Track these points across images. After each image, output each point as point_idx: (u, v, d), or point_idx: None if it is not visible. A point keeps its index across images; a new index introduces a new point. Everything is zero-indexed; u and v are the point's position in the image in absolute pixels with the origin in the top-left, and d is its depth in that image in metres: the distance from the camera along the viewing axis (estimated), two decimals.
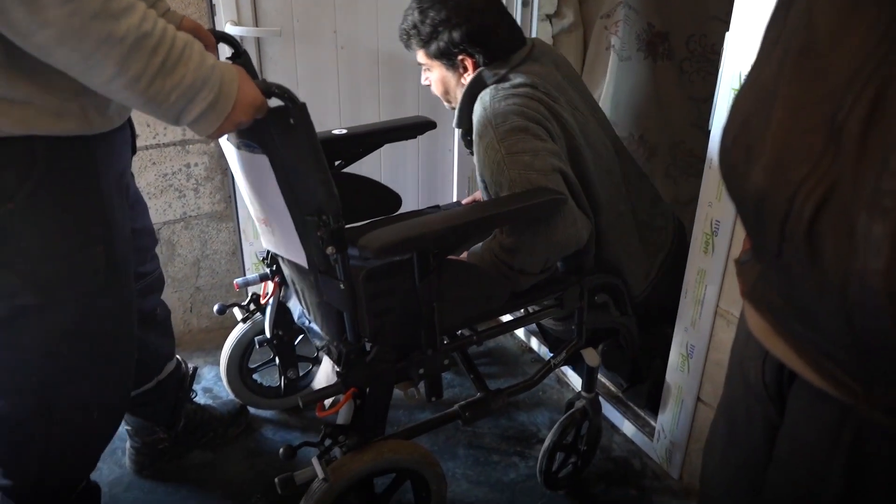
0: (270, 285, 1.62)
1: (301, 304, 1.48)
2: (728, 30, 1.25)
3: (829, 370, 0.52)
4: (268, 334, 1.67)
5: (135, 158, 1.89)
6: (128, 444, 1.65)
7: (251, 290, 1.86)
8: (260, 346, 1.74)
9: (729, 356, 0.76)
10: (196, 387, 1.83)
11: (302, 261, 1.24)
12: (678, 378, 1.56)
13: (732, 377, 0.73)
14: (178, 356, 1.63)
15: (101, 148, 1.06)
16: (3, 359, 1.13)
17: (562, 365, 1.55)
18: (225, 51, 1.42)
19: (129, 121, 1.23)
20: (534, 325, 2.17)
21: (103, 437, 1.32)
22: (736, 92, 0.59)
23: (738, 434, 0.72)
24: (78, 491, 1.32)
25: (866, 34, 0.44)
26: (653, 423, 1.72)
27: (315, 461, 1.23)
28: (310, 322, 1.45)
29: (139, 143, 1.89)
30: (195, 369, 1.69)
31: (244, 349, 1.77)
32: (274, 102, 1.06)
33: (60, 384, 1.15)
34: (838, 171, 0.44)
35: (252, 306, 1.70)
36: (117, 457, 1.70)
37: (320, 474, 1.21)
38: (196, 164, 2.01)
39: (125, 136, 1.18)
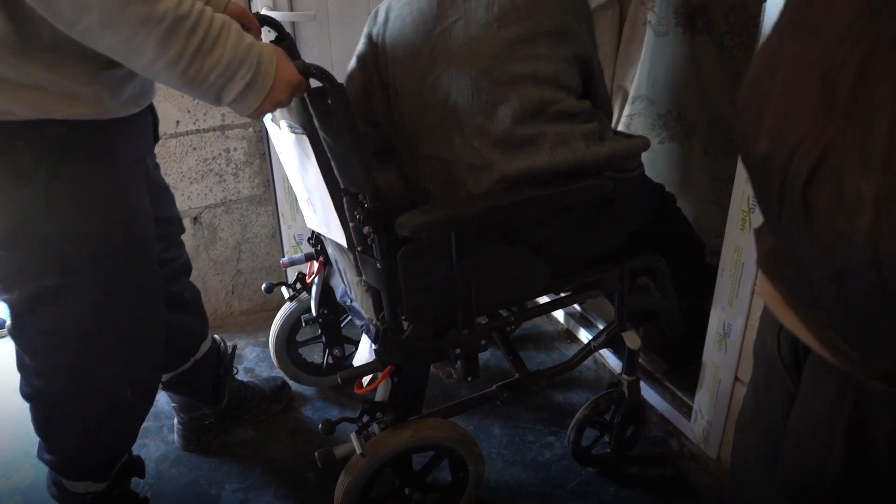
0: (316, 265, 1.66)
1: (343, 283, 1.51)
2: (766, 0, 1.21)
3: (830, 338, 0.52)
4: (314, 313, 1.72)
5: (176, 144, 1.96)
6: (175, 421, 1.70)
7: (297, 269, 1.89)
8: (306, 325, 1.79)
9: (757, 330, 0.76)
10: (238, 366, 1.88)
11: (342, 240, 1.27)
12: (715, 357, 1.54)
13: (757, 350, 0.73)
14: (215, 335, 1.68)
15: (117, 132, 1.09)
16: (36, 341, 1.18)
17: (602, 347, 1.54)
18: (269, 35, 1.44)
19: (152, 108, 1.26)
20: (573, 308, 2.16)
21: (138, 413, 1.37)
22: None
23: (762, 407, 0.71)
24: (120, 464, 1.38)
25: None
26: (690, 402, 1.70)
27: (353, 436, 1.26)
28: (351, 301, 1.48)
29: (180, 129, 1.95)
30: (234, 347, 1.74)
31: (291, 326, 1.82)
32: (314, 83, 1.08)
33: (92, 362, 1.20)
34: (832, 132, 0.44)
35: (298, 285, 1.75)
36: (163, 434, 1.76)
37: (358, 449, 1.24)
38: (235, 149, 2.05)
39: (145, 123, 1.21)
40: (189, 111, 1.94)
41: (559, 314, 2.19)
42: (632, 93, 2.09)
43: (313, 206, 1.35)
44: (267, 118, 1.30)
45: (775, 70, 0.50)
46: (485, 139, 1.20)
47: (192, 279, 1.56)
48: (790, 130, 0.47)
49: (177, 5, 0.87)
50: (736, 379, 1.50)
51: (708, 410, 1.60)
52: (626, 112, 2.11)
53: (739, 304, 1.43)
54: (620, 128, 2.13)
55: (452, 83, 1.19)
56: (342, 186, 1.18)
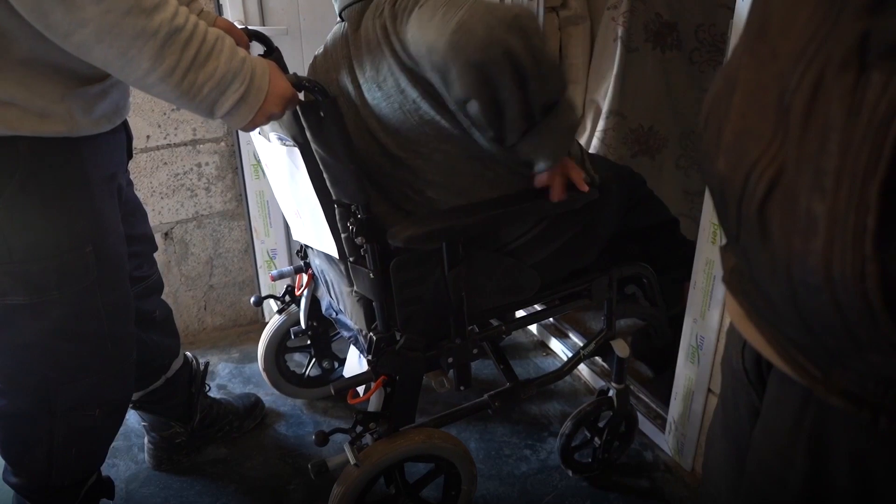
0: (305, 277, 1.66)
1: (329, 295, 1.50)
2: (733, 17, 1.24)
3: (792, 354, 0.53)
4: (303, 325, 1.71)
5: (146, 159, 1.93)
6: (145, 440, 1.67)
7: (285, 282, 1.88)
8: (296, 337, 1.79)
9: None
10: (210, 383, 1.86)
11: (332, 251, 1.27)
12: (688, 370, 1.55)
13: (724, 365, 0.74)
14: (187, 353, 1.66)
15: (89, 149, 1.07)
16: (2, 359, 1.15)
17: (592, 356, 1.55)
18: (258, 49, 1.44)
19: (126, 125, 1.24)
20: (548, 320, 2.17)
21: (107, 433, 1.34)
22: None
23: (729, 421, 0.72)
24: (89, 485, 1.35)
25: (812, 14, 0.44)
26: (664, 414, 1.71)
27: (347, 447, 1.26)
28: (337, 313, 1.48)
29: (150, 143, 1.92)
30: (207, 364, 1.72)
31: (281, 338, 1.81)
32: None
33: (60, 382, 1.17)
34: (786, 152, 0.45)
35: (287, 298, 1.74)
36: (133, 453, 1.72)
37: (352, 460, 1.24)
38: (207, 164, 2.03)
39: (118, 140, 1.19)
40: (160, 126, 1.92)
41: (533, 326, 2.20)
42: (604, 108, 2.11)
43: (302, 219, 1.35)
44: (255, 131, 1.30)
45: (733, 90, 0.51)
46: (434, 188, 1.23)
47: (163, 295, 1.54)
48: (747, 150, 0.48)
49: (171, 18, 0.87)
50: (709, 391, 1.51)
51: (681, 422, 1.61)
52: (599, 127, 2.14)
53: (711, 317, 1.44)
54: (594, 142, 2.15)
55: (381, 158, 1.23)
56: (334, 198, 1.19)
